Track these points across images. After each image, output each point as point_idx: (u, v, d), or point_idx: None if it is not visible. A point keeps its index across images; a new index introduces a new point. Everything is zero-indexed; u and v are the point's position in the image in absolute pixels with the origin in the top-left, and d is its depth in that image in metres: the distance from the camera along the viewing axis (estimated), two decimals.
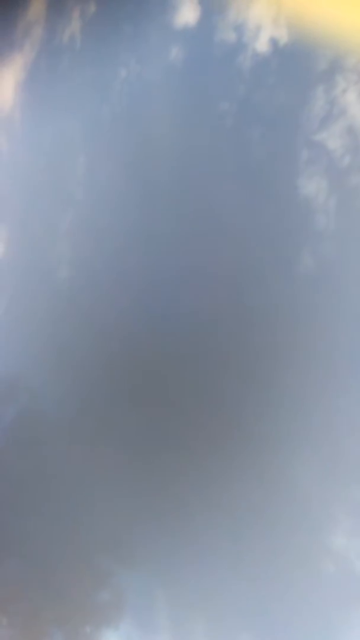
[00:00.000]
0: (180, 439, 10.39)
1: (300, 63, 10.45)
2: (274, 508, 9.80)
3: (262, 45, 10.61)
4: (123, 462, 10.60)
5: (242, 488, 9.93)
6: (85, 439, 10.77)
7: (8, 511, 10.65)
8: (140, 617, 10.29)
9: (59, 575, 10.45)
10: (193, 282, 10.54)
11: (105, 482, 10.54)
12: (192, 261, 10.59)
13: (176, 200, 10.78)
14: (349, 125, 10.27)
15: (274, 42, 10.58)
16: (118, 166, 10.97)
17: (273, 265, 10.23)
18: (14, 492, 10.75)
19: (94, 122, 11.05)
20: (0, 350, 11.15)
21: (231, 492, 9.95)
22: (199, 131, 10.83)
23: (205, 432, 10.26)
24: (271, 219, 10.39)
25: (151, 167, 10.80)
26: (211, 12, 10.80)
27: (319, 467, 9.79)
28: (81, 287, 10.98)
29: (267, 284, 10.19)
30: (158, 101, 10.92)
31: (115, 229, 10.82)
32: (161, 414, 10.56)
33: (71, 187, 11.12)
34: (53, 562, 10.47)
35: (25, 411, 11.15)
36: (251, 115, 10.71)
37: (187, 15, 10.81)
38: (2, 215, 11.25)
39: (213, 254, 10.50)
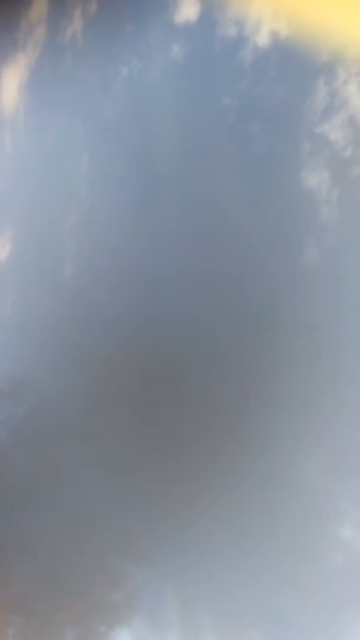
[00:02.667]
0: (188, 435, 10.39)
1: (300, 55, 10.44)
2: (281, 502, 9.76)
3: (262, 38, 10.62)
4: (133, 460, 10.61)
5: (249, 483, 9.90)
6: (95, 437, 10.78)
7: (20, 511, 10.67)
8: (151, 613, 10.28)
9: (72, 575, 10.44)
10: (197, 277, 10.55)
11: (115, 481, 10.55)
12: (196, 256, 10.60)
13: (179, 196, 10.81)
14: (350, 116, 10.24)
15: (274, 35, 10.58)
16: (121, 163, 11.01)
17: (276, 258, 10.22)
18: (25, 491, 10.77)
19: (96, 120, 11.12)
20: (7, 349, 11.19)
21: (238, 488, 9.92)
22: (202, 127, 10.86)
23: (211, 427, 10.25)
24: (274, 212, 10.38)
25: (154, 163, 10.84)
26: (211, 7, 10.83)
27: (326, 460, 9.75)
28: (87, 284, 11.02)
29: (270, 277, 10.18)
30: (160, 98, 10.96)
31: (119, 226, 10.86)
32: (169, 410, 10.56)
33: (75, 185, 11.18)
34: (66, 562, 10.47)
35: (34, 410, 11.18)
36: (253, 109, 10.72)
37: (188, 11, 10.85)
38: (7, 214, 11.33)
39: (216, 248, 10.50)
